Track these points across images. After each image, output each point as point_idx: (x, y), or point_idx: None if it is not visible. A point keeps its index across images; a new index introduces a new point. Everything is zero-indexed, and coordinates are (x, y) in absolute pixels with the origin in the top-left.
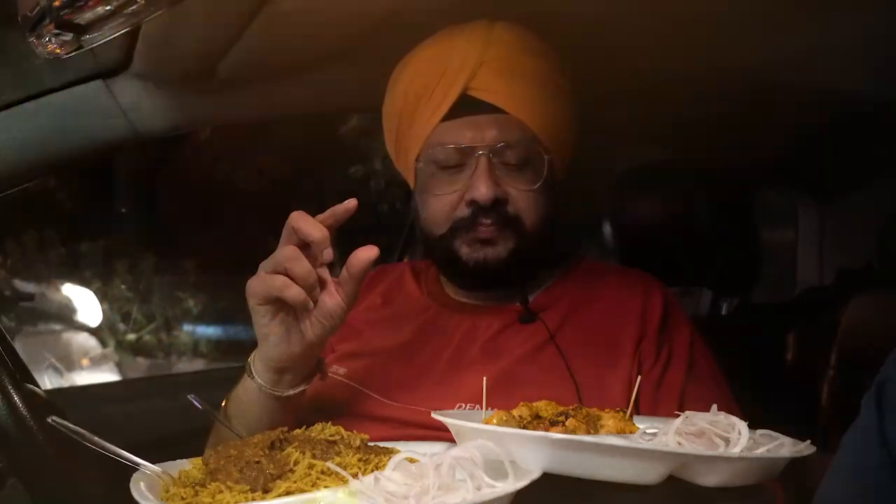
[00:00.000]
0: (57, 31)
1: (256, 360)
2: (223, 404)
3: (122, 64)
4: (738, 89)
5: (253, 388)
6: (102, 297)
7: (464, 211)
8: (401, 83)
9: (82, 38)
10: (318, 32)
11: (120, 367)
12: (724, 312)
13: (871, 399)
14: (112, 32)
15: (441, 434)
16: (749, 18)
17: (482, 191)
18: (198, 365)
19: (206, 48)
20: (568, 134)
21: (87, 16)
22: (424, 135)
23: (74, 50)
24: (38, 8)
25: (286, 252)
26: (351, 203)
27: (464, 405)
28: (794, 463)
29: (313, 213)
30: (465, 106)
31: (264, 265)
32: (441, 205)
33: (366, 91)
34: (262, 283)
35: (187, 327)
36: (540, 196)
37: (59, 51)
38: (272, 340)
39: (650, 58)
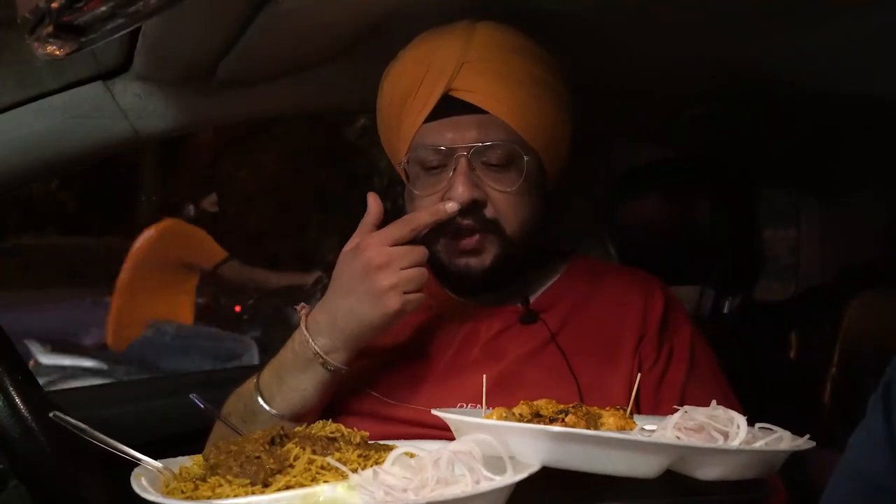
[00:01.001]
0: (56, 32)
1: (328, 337)
2: (258, 377)
3: (123, 65)
4: (740, 88)
5: (312, 360)
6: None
7: None
8: (388, 84)
9: (81, 40)
10: (318, 32)
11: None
12: (725, 311)
13: (878, 400)
14: (112, 33)
15: (442, 433)
16: (749, 18)
17: (459, 191)
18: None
19: (205, 48)
20: (560, 133)
21: (86, 17)
22: (410, 135)
23: (74, 51)
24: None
25: (423, 272)
26: (453, 205)
27: (464, 405)
28: (796, 460)
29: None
30: (448, 107)
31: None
32: (423, 207)
33: (366, 91)
34: (412, 304)
35: None
36: (522, 198)
37: (58, 52)
38: (384, 330)
39: (649, 57)
